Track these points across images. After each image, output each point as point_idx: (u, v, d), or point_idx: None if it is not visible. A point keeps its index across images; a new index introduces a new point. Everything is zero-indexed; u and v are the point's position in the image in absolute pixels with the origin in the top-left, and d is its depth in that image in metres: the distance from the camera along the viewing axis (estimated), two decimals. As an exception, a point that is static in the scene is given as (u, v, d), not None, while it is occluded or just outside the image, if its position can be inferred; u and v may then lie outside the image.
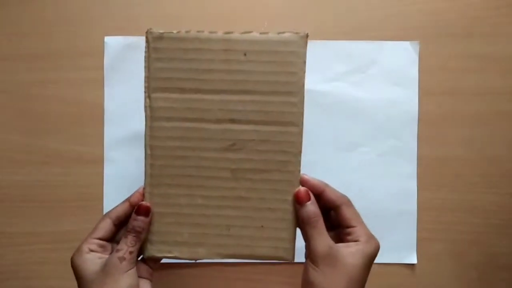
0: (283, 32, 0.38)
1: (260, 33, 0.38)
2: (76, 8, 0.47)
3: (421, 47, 0.49)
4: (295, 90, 0.38)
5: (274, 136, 0.38)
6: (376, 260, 0.42)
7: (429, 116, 0.49)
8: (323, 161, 0.48)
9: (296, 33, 0.38)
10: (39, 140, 0.47)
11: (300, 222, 0.38)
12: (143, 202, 0.37)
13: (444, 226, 0.49)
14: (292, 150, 0.39)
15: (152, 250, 0.40)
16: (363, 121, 0.49)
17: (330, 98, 0.48)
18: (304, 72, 0.38)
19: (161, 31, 0.38)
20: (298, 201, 0.37)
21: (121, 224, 0.38)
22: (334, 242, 0.37)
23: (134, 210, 0.37)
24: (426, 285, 0.49)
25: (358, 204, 0.41)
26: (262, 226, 0.39)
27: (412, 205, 0.49)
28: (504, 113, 0.49)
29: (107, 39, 0.46)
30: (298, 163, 0.39)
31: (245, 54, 0.38)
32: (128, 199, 0.38)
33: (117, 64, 0.46)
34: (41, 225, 0.47)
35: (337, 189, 0.40)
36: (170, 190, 0.39)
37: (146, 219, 0.37)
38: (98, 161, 0.47)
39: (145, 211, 0.37)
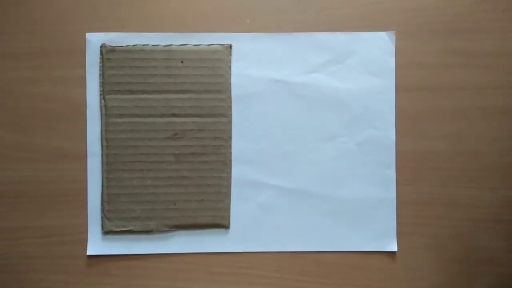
0: (212, 44, 0.48)
1: (194, 45, 0.48)
2: (59, 6, 0.48)
3: (401, 42, 0.49)
4: (223, 89, 0.48)
5: (208, 126, 0.48)
6: (357, 249, 0.49)
7: (408, 111, 0.49)
8: (302, 151, 0.49)
9: (222, 44, 0.48)
10: (25, 137, 0.48)
11: None
12: None
13: (424, 220, 0.49)
14: (224, 136, 0.48)
15: (110, 226, 0.47)
16: (341, 111, 0.49)
17: (309, 89, 0.49)
18: (230, 74, 0.48)
19: (112, 45, 0.47)
20: None
21: None
22: None
23: None
24: (407, 279, 0.49)
25: (338, 193, 0.48)
26: (202, 200, 0.47)
27: (391, 193, 0.49)
28: (483, 108, 0.49)
29: (88, 35, 0.48)
30: (229, 146, 0.48)
31: (182, 62, 0.47)
32: None
33: (98, 60, 0.48)
34: (28, 219, 0.47)
35: (317, 178, 0.48)
36: (124, 174, 0.47)
37: None
38: (83, 157, 0.48)
39: None
